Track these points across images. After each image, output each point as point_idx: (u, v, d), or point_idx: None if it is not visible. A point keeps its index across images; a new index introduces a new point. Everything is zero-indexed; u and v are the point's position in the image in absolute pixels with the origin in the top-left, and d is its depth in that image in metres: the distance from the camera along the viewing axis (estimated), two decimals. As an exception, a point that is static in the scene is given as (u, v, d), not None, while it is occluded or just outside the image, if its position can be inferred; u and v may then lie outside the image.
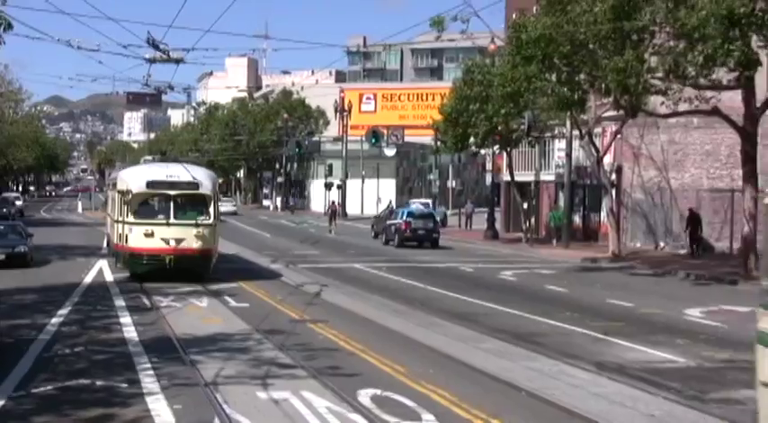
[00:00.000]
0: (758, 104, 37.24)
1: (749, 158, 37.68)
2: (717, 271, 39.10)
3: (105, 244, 45.12)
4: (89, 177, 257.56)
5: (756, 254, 37.56)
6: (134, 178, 35.38)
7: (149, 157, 46.26)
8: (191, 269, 33.40)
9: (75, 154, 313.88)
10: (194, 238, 33.37)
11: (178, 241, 33.31)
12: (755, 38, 33.74)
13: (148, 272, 33.34)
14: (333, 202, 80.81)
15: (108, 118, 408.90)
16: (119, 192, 35.81)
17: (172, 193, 33.98)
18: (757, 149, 38.68)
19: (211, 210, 34.45)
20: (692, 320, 26.15)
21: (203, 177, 35.33)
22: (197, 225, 33.67)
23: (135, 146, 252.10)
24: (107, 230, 44.34)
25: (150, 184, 34.32)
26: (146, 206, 34.73)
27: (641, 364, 19.27)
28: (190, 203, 34.51)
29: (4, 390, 16.16)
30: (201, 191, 34.47)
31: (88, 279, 34.98)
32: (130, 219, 33.82)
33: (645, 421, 14.61)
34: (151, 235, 33.17)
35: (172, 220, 33.57)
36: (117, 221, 36.31)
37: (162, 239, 33.19)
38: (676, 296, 31.86)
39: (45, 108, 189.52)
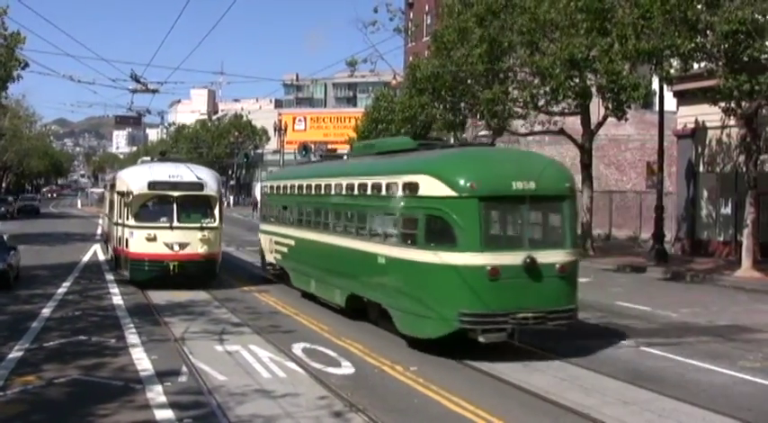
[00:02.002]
0: (592, 126, 37.81)
1: (586, 167, 38.21)
2: (563, 251, 39.48)
3: (99, 232, 44.39)
4: (84, 181, 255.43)
5: (592, 238, 38.16)
6: (135, 179, 26.18)
7: (147, 158, 34.85)
8: (196, 275, 25.01)
9: (76, 163, 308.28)
10: (199, 243, 24.89)
11: (182, 246, 24.76)
12: (590, 76, 34.26)
13: (151, 279, 24.65)
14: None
15: (101, 135, 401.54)
16: (118, 193, 26.97)
17: (175, 194, 25.25)
18: (592, 160, 39.26)
19: (216, 212, 25.77)
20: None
21: (208, 177, 26.36)
22: (202, 228, 25.02)
23: (121, 157, 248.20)
24: (102, 224, 40.10)
25: (152, 185, 25.48)
26: (147, 208, 25.63)
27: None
28: (194, 205, 25.65)
29: (23, 343, 16.03)
30: (206, 192, 25.77)
31: (85, 258, 34.44)
32: (131, 222, 25.14)
33: (509, 364, 14.72)
34: (153, 239, 24.70)
35: (175, 224, 24.91)
36: (116, 224, 27.35)
37: (165, 244, 24.67)
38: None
39: (52, 127, 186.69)
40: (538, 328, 15.26)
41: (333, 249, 20.02)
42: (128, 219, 25.38)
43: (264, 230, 27.63)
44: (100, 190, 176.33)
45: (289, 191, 25.39)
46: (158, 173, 26.19)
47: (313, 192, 22.56)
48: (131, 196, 25.36)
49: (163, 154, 40.75)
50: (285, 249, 24.93)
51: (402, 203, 16.40)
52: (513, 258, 14.76)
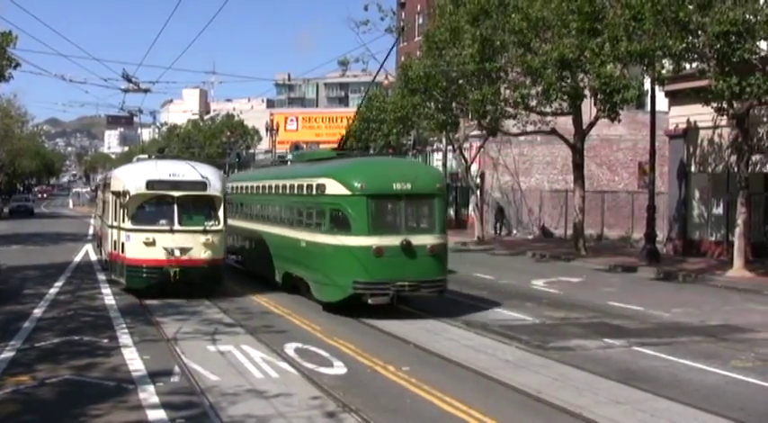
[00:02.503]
0: (584, 127, 37.86)
1: (578, 167, 38.27)
2: (555, 251, 39.65)
3: (91, 232, 44.21)
4: (71, 179, 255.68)
5: (584, 238, 38.23)
6: (132, 177, 23.69)
7: (144, 156, 32.55)
8: (199, 283, 22.87)
9: (67, 163, 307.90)
10: (202, 247, 22.62)
11: (184, 251, 22.49)
12: (582, 77, 34.31)
13: (149, 287, 22.64)
14: None
15: (93, 135, 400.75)
16: (113, 193, 24.56)
17: (176, 194, 22.93)
18: (584, 160, 39.32)
19: (221, 214, 23.44)
20: (537, 289, 26.41)
21: (212, 176, 23.93)
22: (205, 232, 22.78)
23: (113, 156, 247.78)
24: (95, 225, 39.22)
25: (151, 184, 23.08)
26: (146, 210, 23.22)
27: (499, 322, 19.46)
28: (197, 206, 23.41)
29: (15, 343, 15.98)
30: (210, 192, 23.39)
31: (77, 259, 34.40)
32: (128, 224, 22.83)
33: (502, 364, 14.78)
34: (152, 243, 22.42)
35: (176, 227, 22.65)
36: (111, 227, 24.85)
37: (165, 249, 22.35)
38: (526, 270, 32.23)
39: (44, 127, 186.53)
40: (414, 295, 19.78)
41: (274, 238, 24.86)
42: (124, 221, 23.07)
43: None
44: (84, 189, 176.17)
45: (244, 191, 29.91)
46: (158, 171, 23.68)
47: (260, 191, 27.54)
48: (128, 196, 22.92)
49: (161, 151, 36.58)
50: (241, 240, 29.10)
51: (315, 200, 21.16)
52: (393, 241, 19.29)
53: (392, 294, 19.18)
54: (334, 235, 19.90)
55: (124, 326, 18.10)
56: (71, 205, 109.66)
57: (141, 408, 11.46)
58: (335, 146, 27.35)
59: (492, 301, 22.95)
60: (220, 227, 23.31)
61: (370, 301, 19.24)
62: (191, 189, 23.25)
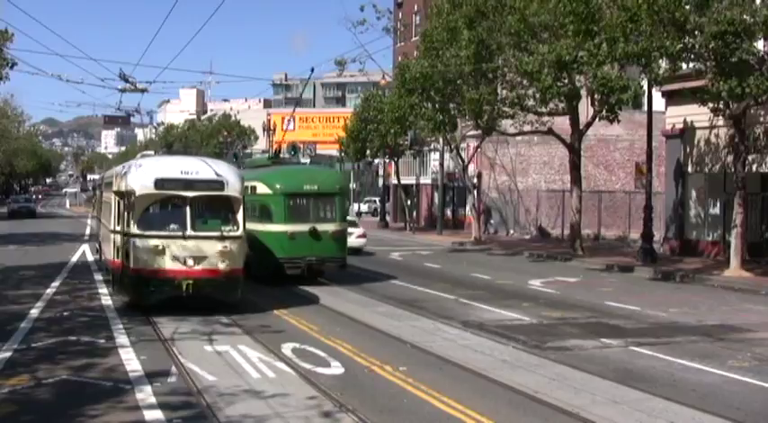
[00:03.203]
0: (581, 127, 37.89)
1: (575, 167, 38.30)
2: (552, 251, 39.68)
3: (88, 232, 44.10)
4: (64, 179, 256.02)
5: (581, 238, 38.25)
6: (138, 176, 20.54)
7: (149, 152, 29.21)
8: (215, 297, 20.30)
9: (64, 163, 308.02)
10: (219, 256, 19.79)
11: (198, 260, 19.69)
12: (578, 78, 34.34)
13: (158, 301, 19.79)
14: None
15: (89, 135, 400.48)
16: (116, 193, 21.81)
17: (189, 194, 20.05)
18: (581, 160, 39.35)
19: (240, 217, 20.63)
20: (535, 289, 26.42)
21: (229, 174, 21.03)
22: (222, 238, 19.94)
23: (110, 156, 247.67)
24: (92, 226, 38.11)
25: (160, 184, 20.16)
26: (154, 213, 20.40)
27: (496, 322, 19.45)
28: (212, 209, 20.79)
29: (11, 344, 15.94)
30: (228, 192, 20.51)
31: (74, 259, 34.37)
32: (133, 229, 19.84)
33: (499, 364, 14.78)
34: (161, 252, 19.52)
35: (189, 232, 19.77)
36: (113, 232, 22.00)
37: (176, 258, 19.56)
38: (523, 270, 32.24)
39: (41, 127, 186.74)
40: (320, 268, 26.45)
41: None
42: (128, 226, 20.14)
43: None
44: (74, 189, 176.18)
45: None
46: (168, 168, 20.84)
47: None
48: (133, 197, 20.03)
49: (169, 146, 32.62)
50: None
51: (251, 198, 25.28)
52: (304, 227, 25.91)
53: (303, 267, 25.86)
54: (263, 224, 26.22)
55: (121, 326, 18.07)
56: (68, 205, 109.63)
57: (138, 408, 11.44)
58: (273, 155, 34.08)
59: (489, 300, 22.98)
60: (239, 232, 20.38)
61: (288, 272, 25.74)
62: (205, 189, 20.46)
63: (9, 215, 76.32)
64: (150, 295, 19.87)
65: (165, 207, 20.75)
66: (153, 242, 19.63)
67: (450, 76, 38.37)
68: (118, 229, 21.43)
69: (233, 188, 20.61)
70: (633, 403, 12.07)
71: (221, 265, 19.90)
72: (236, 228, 20.40)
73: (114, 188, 22.45)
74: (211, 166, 21.12)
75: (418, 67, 39.75)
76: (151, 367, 13.93)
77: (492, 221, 55.67)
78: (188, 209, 20.02)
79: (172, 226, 20.04)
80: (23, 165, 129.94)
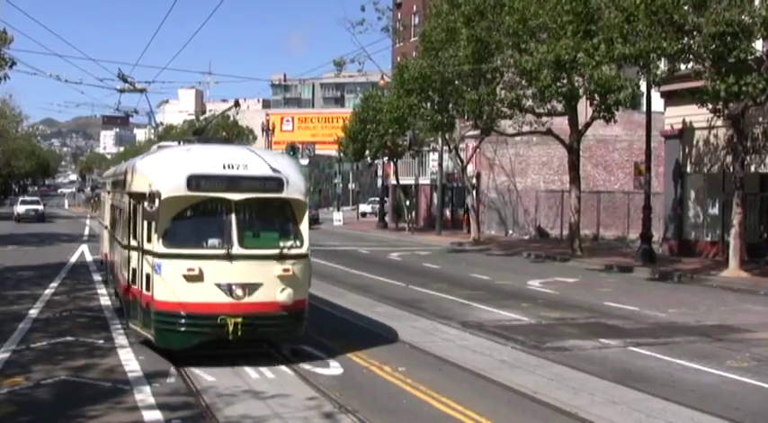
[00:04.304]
0: (580, 127, 37.91)
1: (574, 167, 38.31)
2: (551, 251, 39.68)
3: (86, 232, 44.02)
4: (62, 180, 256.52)
5: (580, 239, 38.27)
6: (164, 171, 14.89)
7: (170, 143, 21.02)
8: (271, 339, 15.13)
9: (63, 163, 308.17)
10: (278, 283, 14.34)
11: (249, 289, 14.17)
12: (577, 79, 34.36)
13: (194, 347, 14.34)
14: None
15: (88, 135, 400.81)
16: (132, 195, 16.17)
17: (236, 197, 14.52)
18: (580, 160, 39.36)
19: (304, 228, 15.16)
20: (533, 289, 26.41)
21: (290, 170, 15.34)
22: (282, 257, 14.48)
23: (109, 157, 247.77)
24: (90, 224, 38.48)
25: (196, 183, 14.48)
26: (186, 223, 14.85)
27: (495, 322, 19.43)
28: (267, 217, 15.35)
29: (10, 345, 15.88)
30: (288, 194, 14.96)
31: (73, 259, 34.31)
32: (158, 246, 14.39)
33: (498, 365, 14.78)
34: (198, 278, 14.07)
35: (237, 250, 14.25)
36: (127, 248, 16.40)
37: (219, 286, 14.08)
38: (521, 271, 32.25)
39: (39, 127, 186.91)
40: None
41: None
42: (150, 240, 14.52)
43: None
44: (70, 190, 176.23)
45: None
46: (205, 162, 14.82)
47: None
48: (157, 202, 14.22)
49: (198, 133, 21.66)
50: None
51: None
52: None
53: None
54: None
55: (120, 327, 18.01)
56: (66, 205, 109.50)
57: (137, 409, 11.44)
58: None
59: (488, 301, 22.94)
60: (305, 249, 14.73)
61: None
62: (258, 189, 14.65)
63: (17, 220, 65.54)
64: (183, 339, 14.23)
65: (201, 215, 14.91)
66: (186, 264, 13.87)
67: (448, 76, 38.41)
68: (133, 243, 15.68)
69: (295, 188, 14.84)
70: (632, 403, 12.08)
71: (282, 296, 14.15)
72: (299, 243, 14.72)
73: (128, 188, 16.44)
74: (265, 158, 15.05)
75: (417, 68, 39.80)
76: (150, 368, 13.91)
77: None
78: (234, 217, 14.24)
79: (212, 241, 14.28)
80: (22, 165, 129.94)
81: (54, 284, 25.59)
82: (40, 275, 27.91)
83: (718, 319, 20.24)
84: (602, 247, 42.17)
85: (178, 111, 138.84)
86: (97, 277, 27.30)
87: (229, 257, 14.05)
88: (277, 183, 14.69)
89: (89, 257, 34.72)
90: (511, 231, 54.58)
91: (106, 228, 23.96)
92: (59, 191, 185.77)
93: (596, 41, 30.60)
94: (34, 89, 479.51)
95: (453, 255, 41.26)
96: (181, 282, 13.96)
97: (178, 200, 14.35)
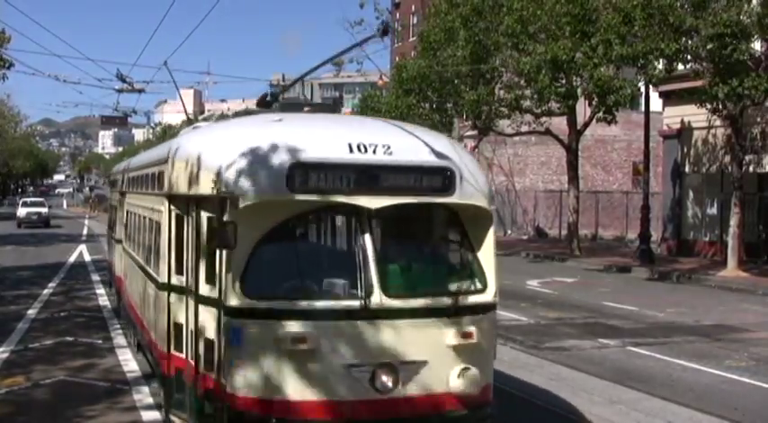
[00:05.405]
0: (579, 127, 37.91)
1: (572, 167, 38.31)
2: (550, 251, 39.66)
3: (85, 232, 43.77)
4: (60, 179, 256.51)
5: (578, 238, 38.27)
6: (244, 157, 7.66)
7: (202, 123, 13.55)
8: None
9: (61, 163, 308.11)
10: (452, 360, 7.74)
11: (405, 374, 7.53)
12: (575, 79, 34.39)
13: None
14: None
15: (87, 135, 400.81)
16: (173, 199, 9.37)
17: (375, 204, 7.72)
18: (578, 160, 39.37)
19: (487, 257, 8.29)
20: (532, 289, 26.37)
21: (463, 158, 8.50)
22: (457, 311, 7.84)
23: (107, 157, 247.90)
24: (88, 224, 37.11)
25: (303, 176, 7.57)
26: (284, 251, 7.87)
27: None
28: (425, 240, 8.84)
29: (8, 345, 15.88)
30: (463, 198, 8.14)
31: (71, 259, 34.32)
32: (234, 295, 7.49)
33: (497, 365, 14.74)
34: (311, 356, 7.38)
35: (380, 301, 7.50)
36: (168, 289, 9.48)
37: (350, 371, 7.39)
38: (520, 271, 32.17)
39: (38, 127, 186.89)
40: None
41: None
42: (213, 281, 8.07)
43: None
44: (67, 190, 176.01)
45: None
46: (317, 139, 8.06)
47: None
48: (233, 212, 7.66)
49: (272, 98, 11.42)
50: None
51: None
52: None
53: None
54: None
55: (118, 327, 18.00)
56: (65, 205, 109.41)
57: (136, 409, 11.43)
58: None
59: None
60: (490, 295, 8.38)
61: None
62: (413, 190, 8.19)
63: (18, 225, 58.03)
64: None
65: (311, 237, 9.09)
66: (288, 330, 7.61)
67: (447, 76, 38.42)
68: (176, 281, 9.44)
69: (474, 188, 8.46)
70: (631, 403, 12.07)
71: (460, 383, 7.93)
72: (480, 283, 8.41)
73: (168, 188, 9.67)
74: (419, 135, 8.66)
75: (415, 67, 39.80)
76: (148, 368, 13.89)
77: None
78: (370, 240, 7.90)
79: (331, 285, 7.99)
80: (20, 165, 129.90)
81: (53, 284, 25.59)
82: (39, 275, 27.90)
83: (717, 319, 20.24)
84: (600, 246, 42.16)
85: (177, 111, 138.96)
86: (96, 277, 27.28)
87: (367, 315, 7.64)
88: (445, 178, 8.20)
89: (88, 258, 34.72)
90: (509, 231, 54.56)
91: (119, 241, 17.81)
92: (57, 191, 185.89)
93: (594, 42, 30.62)
94: (33, 89, 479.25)
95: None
96: (279, 362, 7.58)
97: (271, 208, 7.79)
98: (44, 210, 60.73)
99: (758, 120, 31.00)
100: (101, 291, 24.13)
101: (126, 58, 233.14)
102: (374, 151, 8.01)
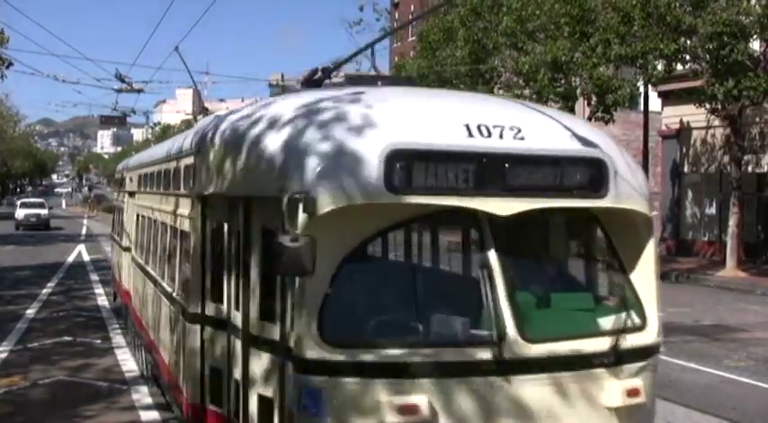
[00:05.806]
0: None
1: (572, 167, 38.28)
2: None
3: (84, 232, 43.61)
4: (57, 180, 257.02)
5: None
6: (322, 142, 5.50)
7: (219, 112, 9.63)
8: None
9: (60, 163, 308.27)
10: None
11: None
12: (575, 79, 34.39)
13: None
14: None
15: (85, 135, 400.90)
16: (206, 200, 7.36)
17: (503, 209, 5.54)
18: (578, 160, 39.37)
19: (646, 281, 6.46)
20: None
21: (612, 147, 6.16)
22: (619, 359, 5.83)
23: (106, 157, 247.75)
24: (88, 226, 37.25)
25: (406, 168, 5.32)
26: (378, 275, 6.04)
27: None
28: (563, 255, 6.74)
29: (7, 345, 15.87)
30: (617, 200, 5.92)
31: (70, 259, 34.34)
32: (311, 341, 5.24)
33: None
34: None
35: (516, 346, 5.41)
36: (203, 322, 7.37)
37: None
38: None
39: (37, 127, 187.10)
40: None
41: None
42: (272, 317, 5.86)
43: None
44: (66, 190, 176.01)
45: None
46: (422, 121, 5.80)
47: None
48: (305, 219, 5.35)
49: (324, 75, 8.04)
50: None
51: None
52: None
53: None
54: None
55: (117, 327, 18.01)
56: (64, 205, 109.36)
57: (134, 408, 11.42)
58: None
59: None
60: (653, 335, 6.50)
61: None
62: (551, 191, 5.92)
63: (16, 228, 55.25)
64: None
65: (410, 254, 7.48)
66: (391, 393, 5.35)
67: (446, 76, 38.40)
68: (214, 312, 7.39)
69: (630, 186, 6.19)
70: (629, 403, 12.05)
71: None
72: (639, 318, 6.56)
73: (196, 186, 7.75)
74: (556, 117, 6.48)
75: (414, 67, 39.79)
76: (148, 369, 13.91)
77: None
78: (497, 258, 5.70)
79: (444, 323, 5.73)
80: (19, 165, 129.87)
81: (51, 284, 25.60)
82: (38, 275, 27.92)
83: (716, 319, 20.25)
84: (599, 246, 42.16)
85: (176, 110, 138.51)
86: (95, 277, 27.27)
87: (501, 369, 5.60)
88: (596, 173, 6.06)
89: (86, 257, 34.73)
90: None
91: (127, 249, 15.75)
92: (56, 191, 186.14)
93: (593, 42, 30.62)
94: (31, 89, 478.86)
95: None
96: None
97: (362, 216, 5.68)
98: (44, 211, 57.45)
99: (757, 120, 31.01)
100: (99, 290, 24.14)
101: (125, 58, 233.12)
102: (500, 135, 5.81)
